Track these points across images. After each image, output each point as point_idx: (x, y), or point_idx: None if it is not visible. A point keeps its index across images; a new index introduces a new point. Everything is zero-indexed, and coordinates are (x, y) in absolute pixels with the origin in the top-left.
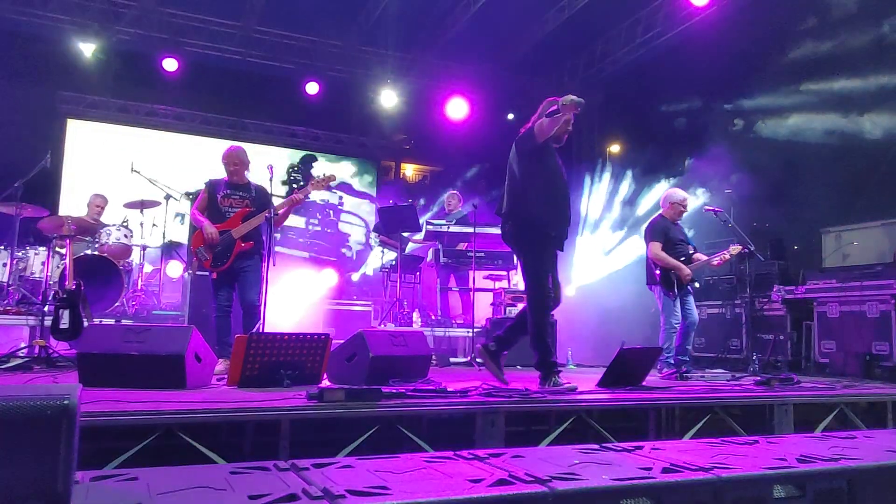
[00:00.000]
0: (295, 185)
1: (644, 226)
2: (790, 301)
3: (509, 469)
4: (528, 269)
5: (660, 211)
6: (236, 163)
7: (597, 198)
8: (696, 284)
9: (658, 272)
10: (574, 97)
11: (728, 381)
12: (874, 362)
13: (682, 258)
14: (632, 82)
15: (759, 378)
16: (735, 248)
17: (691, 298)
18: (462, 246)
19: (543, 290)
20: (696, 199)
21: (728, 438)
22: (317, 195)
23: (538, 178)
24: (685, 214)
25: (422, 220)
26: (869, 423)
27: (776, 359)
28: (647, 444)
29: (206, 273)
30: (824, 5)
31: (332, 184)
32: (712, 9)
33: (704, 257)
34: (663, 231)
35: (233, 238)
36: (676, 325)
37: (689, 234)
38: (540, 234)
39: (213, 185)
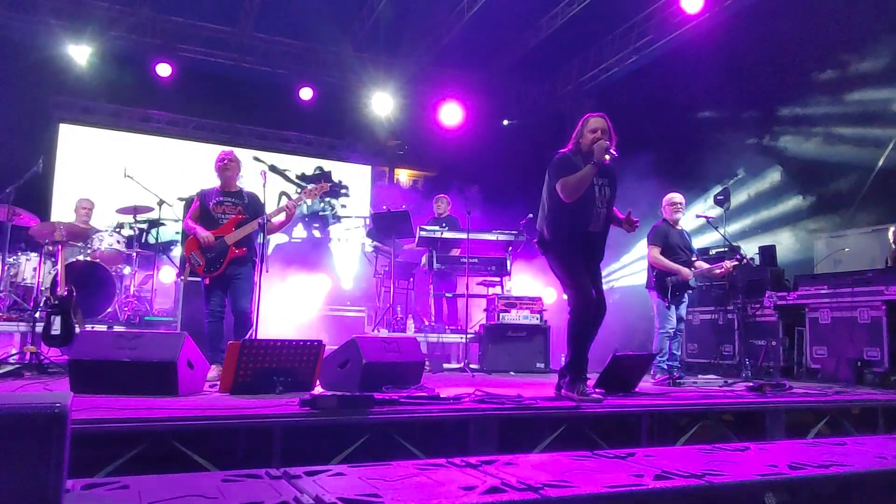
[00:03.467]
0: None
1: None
2: (782, 307)
3: (501, 476)
4: (556, 275)
5: (662, 216)
6: (229, 167)
7: None
8: (692, 289)
9: (654, 277)
10: (602, 145)
11: (720, 387)
12: (865, 368)
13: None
14: (625, 89)
15: (751, 384)
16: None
17: (684, 306)
18: (455, 252)
19: (577, 293)
20: (695, 208)
21: (720, 445)
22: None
23: (556, 193)
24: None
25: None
26: (860, 429)
27: (768, 365)
28: (639, 450)
29: (199, 279)
30: (814, 12)
31: (324, 192)
32: (705, 16)
33: (706, 265)
34: (664, 236)
35: (226, 244)
36: (670, 330)
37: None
38: (555, 241)
39: (204, 195)
